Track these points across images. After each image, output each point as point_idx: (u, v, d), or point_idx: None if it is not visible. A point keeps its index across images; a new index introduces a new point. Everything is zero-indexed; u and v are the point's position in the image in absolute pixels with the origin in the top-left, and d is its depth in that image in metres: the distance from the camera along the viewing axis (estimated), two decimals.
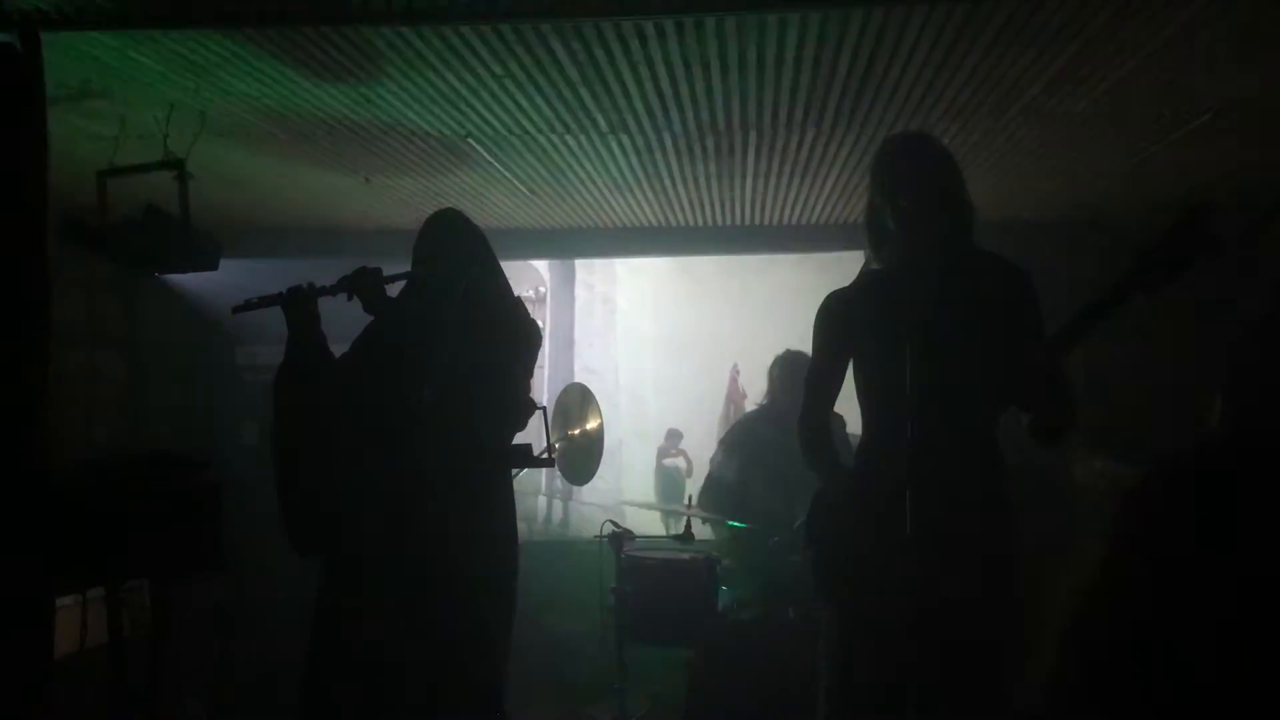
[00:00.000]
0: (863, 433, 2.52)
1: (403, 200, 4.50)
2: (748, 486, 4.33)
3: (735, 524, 4.19)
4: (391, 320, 2.92)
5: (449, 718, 2.79)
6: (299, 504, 2.84)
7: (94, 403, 4.96)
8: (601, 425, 4.44)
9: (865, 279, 2.53)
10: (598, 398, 4.49)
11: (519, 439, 3.05)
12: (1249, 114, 3.42)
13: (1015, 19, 2.63)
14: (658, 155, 3.92)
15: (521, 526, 3.08)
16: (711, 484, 4.55)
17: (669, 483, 7.13)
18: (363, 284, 2.89)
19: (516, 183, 4.33)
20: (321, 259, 4.99)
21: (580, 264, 7.66)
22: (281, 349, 2.96)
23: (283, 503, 2.84)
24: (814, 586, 2.51)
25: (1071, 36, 2.75)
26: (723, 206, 4.90)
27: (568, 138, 3.68)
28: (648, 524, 4.56)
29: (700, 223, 5.29)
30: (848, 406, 2.65)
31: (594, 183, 4.36)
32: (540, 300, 7.12)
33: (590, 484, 4.72)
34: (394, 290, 3.00)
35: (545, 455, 3.13)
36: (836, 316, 2.51)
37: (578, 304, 7.74)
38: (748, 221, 5.27)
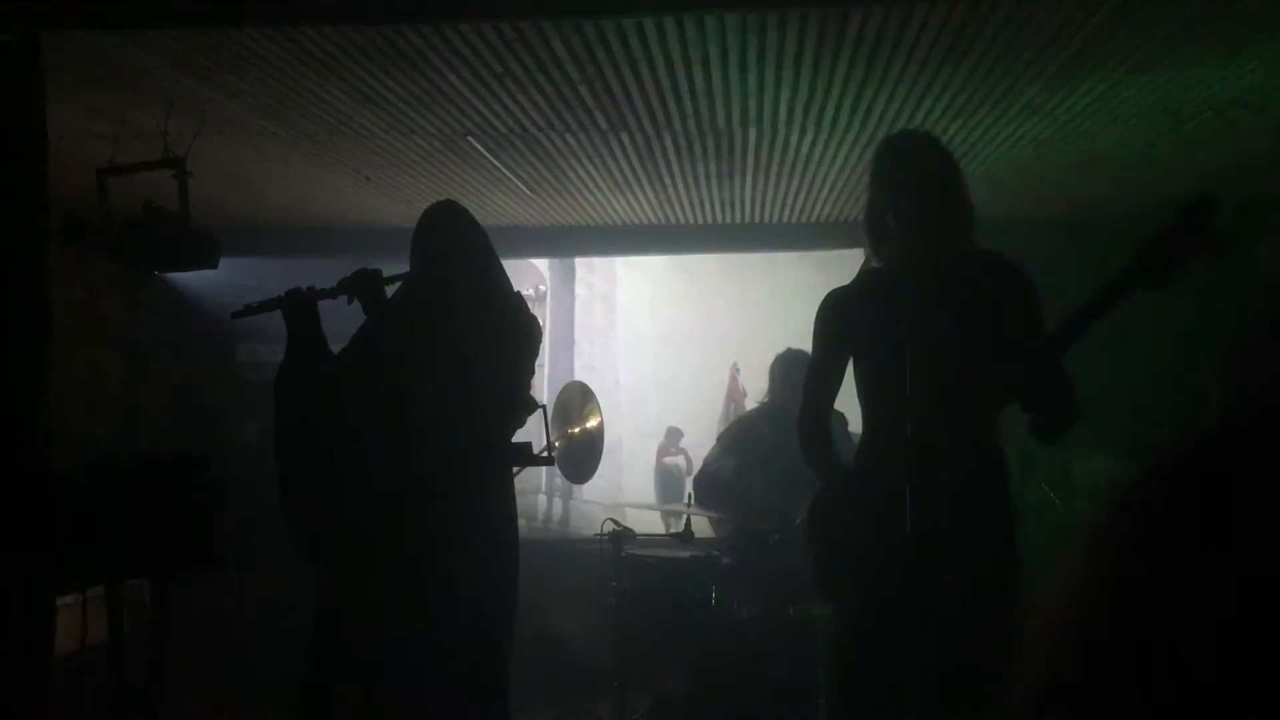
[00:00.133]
0: (863, 431, 2.52)
1: (403, 199, 4.50)
2: (747, 484, 4.33)
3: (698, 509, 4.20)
4: (391, 319, 2.91)
5: (450, 717, 2.79)
6: (303, 507, 2.84)
7: (94, 401, 4.96)
8: (601, 423, 4.43)
9: (865, 277, 2.52)
10: (598, 396, 4.49)
11: (518, 437, 3.05)
12: (1249, 111, 3.42)
13: (1015, 17, 2.63)
14: (658, 153, 3.92)
15: (521, 524, 3.08)
16: (703, 478, 4.54)
17: (669, 481, 7.12)
18: (363, 286, 2.88)
19: (517, 181, 4.33)
20: (321, 257, 4.99)
21: (580, 262, 7.66)
22: (282, 347, 2.95)
23: (286, 506, 2.84)
24: (814, 585, 2.51)
25: (1071, 35, 2.75)
26: (723, 204, 4.90)
27: (568, 136, 3.68)
28: (648, 522, 4.56)
29: (700, 221, 5.29)
30: (848, 405, 2.65)
31: (594, 181, 4.36)
32: (540, 299, 7.12)
33: (590, 482, 4.72)
34: (393, 290, 2.98)
35: (545, 454, 3.12)
36: (836, 315, 2.51)
37: (578, 302, 7.74)
38: (748, 220, 5.27)
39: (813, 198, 4.74)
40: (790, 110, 3.38)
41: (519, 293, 3.05)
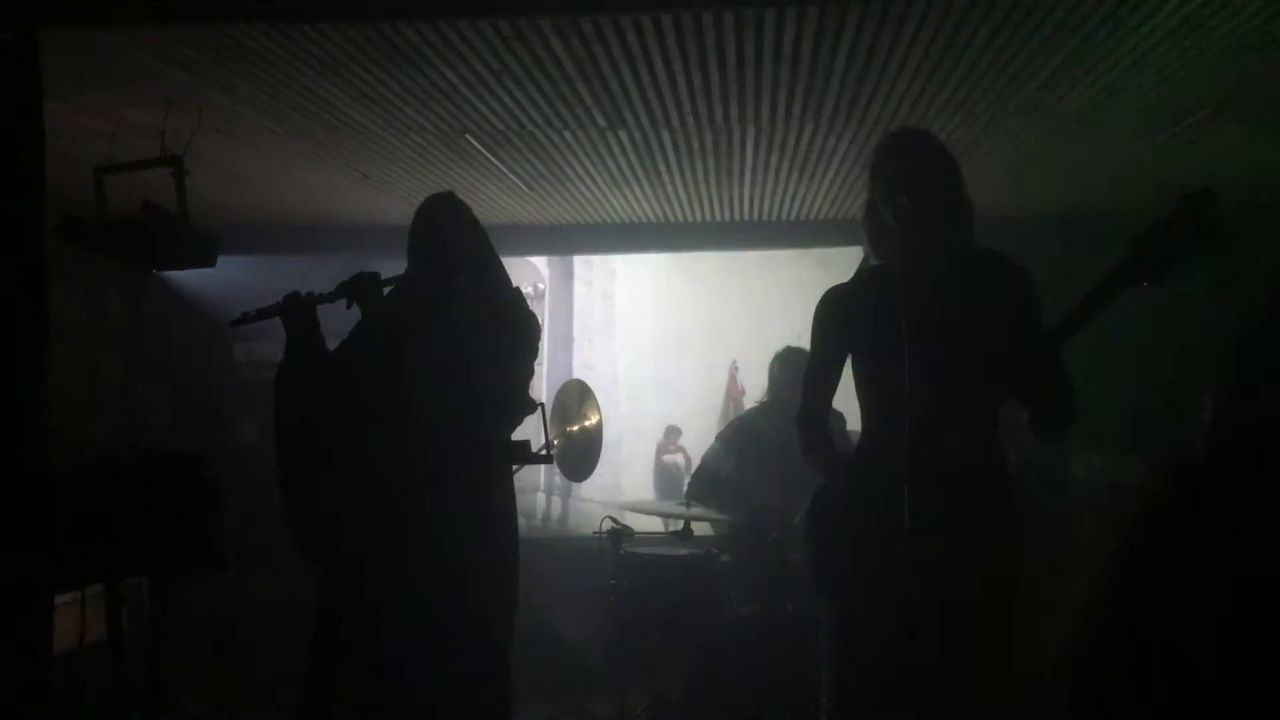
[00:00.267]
0: (862, 429, 2.51)
1: (401, 196, 4.50)
2: (747, 483, 4.33)
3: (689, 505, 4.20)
4: (390, 318, 2.90)
5: (451, 717, 2.79)
6: (303, 508, 2.83)
7: (93, 400, 4.96)
8: (600, 421, 4.43)
9: (864, 275, 2.52)
10: (596, 394, 4.49)
11: (517, 435, 3.04)
12: (1248, 109, 3.42)
13: (1014, 14, 2.63)
14: (656, 151, 3.92)
15: (520, 523, 3.07)
16: (701, 474, 4.54)
17: (667, 479, 7.12)
18: (361, 289, 2.87)
19: (514, 179, 4.32)
20: (319, 254, 4.99)
21: (579, 260, 7.64)
22: (280, 346, 2.94)
23: (287, 506, 2.83)
24: (814, 583, 2.51)
25: (1070, 32, 2.74)
26: (721, 202, 4.90)
27: (565, 133, 3.67)
28: (647, 520, 4.56)
29: (699, 218, 5.29)
30: (847, 403, 2.65)
31: (592, 179, 4.35)
32: (539, 297, 7.12)
33: (589, 480, 4.71)
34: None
35: (543, 452, 3.12)
36: (835, 313, 2.50)
37: (576, 301, 7.73)
38: (746, 217, 5.27)
39: (811, 195, 4.74)
40: (788, 107, 3.38)
41: (518, 288, 3.03)
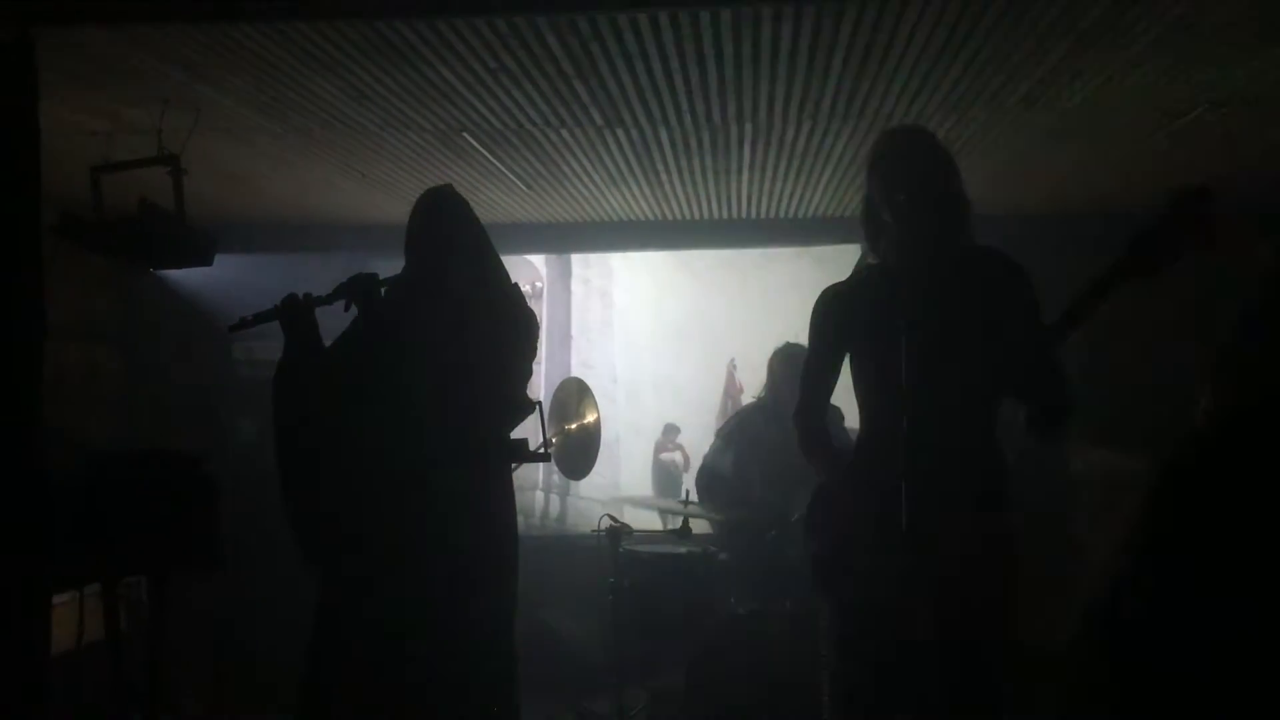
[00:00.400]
0: (860, 427, 2.51)
1: (398, 194, 4.49)
2: (745, 480, 4.33)
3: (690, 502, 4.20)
4: (388, 318, 2.89)
5: (451, 716, 2.78)
6: (303, 508, 2.83)
7: (90, 399, 4.96)
8: (598, 420, 4.43)
9: (862, 273, 2.52)
10: (595, 392, 4.49)
11: (515, 433, 3.04)
12: (1245, 106, 3.42)
13: (1011, 11, 2.63)
14: (653, 149, 3.92)
15: (519, 521, 3.07)
16: (705, 472, 4.55)
17: (666, 477, 7.12)
18: (359, 291, 2.86)
19: (512, 177, 4.32)
20: (317, 253, 4.98)
21: (577, 259, 7.64)
22: (278, 344, 2.93)
23: (287, 506, 2.83)
24: (813, 581, 2.51)
25: (1067, 29, 2.74)
26: (719, 200, 4.90)
27: (563, 132, 3.67)
28: (645, 518, 4.56)
29: (697, 216, 5.29)
30: (846, 401, 2.65)
31: (590, 177, 4.35)
32: (537, 295, 7.12)
33: (588, 478, 4.71)
34: None
35: (541, 450, 3.12)
36: (833, 311, 2.51)
37: (574, 299, 7.73)
38: (744, 215, 5.27)
39: (809, 193, 4.74)
40: (786, 105, 3.38)
41: (516, 284, 3.02)
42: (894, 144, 2.45)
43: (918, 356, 2.14)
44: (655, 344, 7.88)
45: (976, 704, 2.29)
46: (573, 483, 6.10)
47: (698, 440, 6.72)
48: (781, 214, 5.23)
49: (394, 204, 4.62)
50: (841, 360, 2.52)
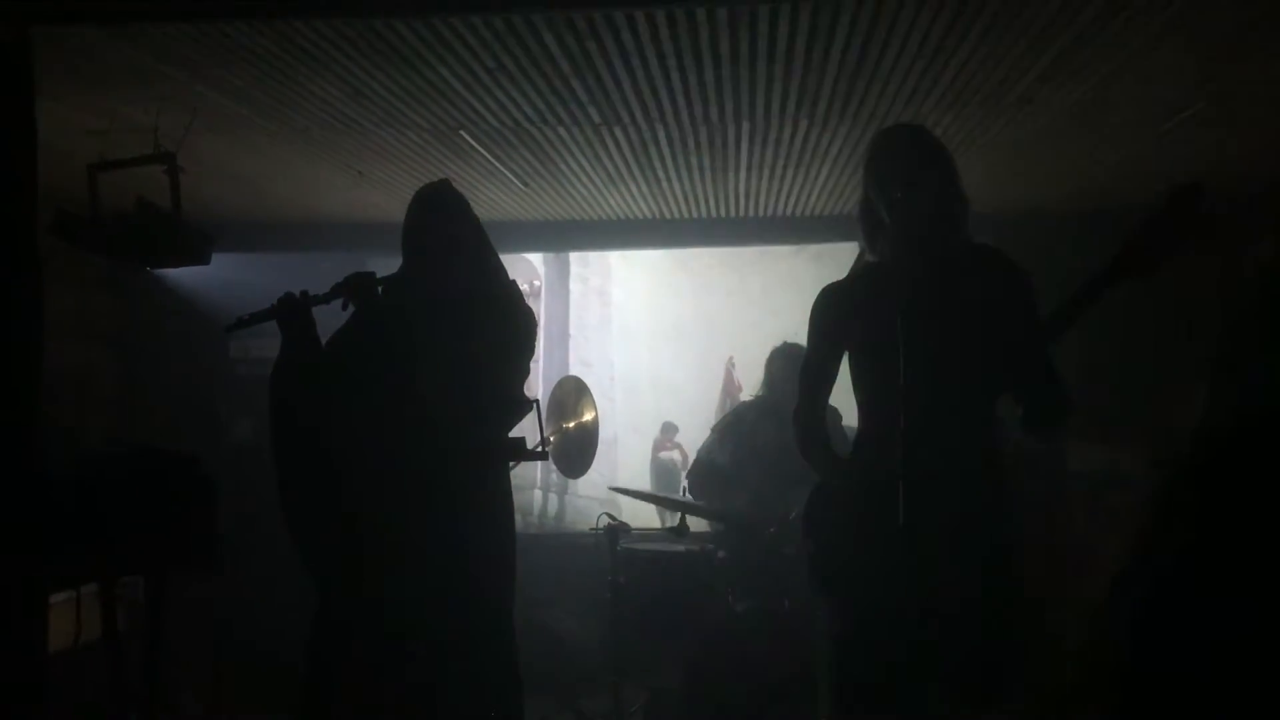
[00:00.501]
0: (859, 425, 2.51)
1: (396, 193, 4.49)
2: (742, 477, 4.33)
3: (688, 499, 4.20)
4: (386, 317, 2.89)
5: (451, 715, 2.78)
6: (301, 508, 2.82)
7: (87, 398, 4.95)
8: (596, 418, 4.43)
9: (860, 271, 2.52)
10: (593, 391, 4.48)
11: (513, 431, 3.03)
12: (1241, 104, 3.42)
13: (1007, 10, 2.63)
14: (651, 147, 3.92)
15: (517, 520, 3.07)
16: (698, 466, 4.55)
17: (664, 475, 7.12)
18: (357, 289, 2.86)
19: (510, 175, 4.32)
20: (314, 251, 4.98)
21: (575, 257, 7.64)
22: (275, 342, 2.93)
23: (285, 506, 2.83)
24: (811, 579, 2.51)
25: (1063, 27, 2.74)
26: (717, 198, 4.89)
27: (560, 130, 3.67)
28: (643, 516, 4.56)
29: (694, 215, 5.28)
30: (845, 401, 2.65)
31: (587, 175, 4.35)
32: (535, 294, 7.12)
33: (586, 477, 4.71)
34: None
35: (539, 449, 3.12)
36: (832, 309, 2.51)
37: (572, 297, 7.73)
38: (742, 213, 5.27)
39: (806, 191, 4.74)
40: (783, 103, 3.38)
41: (514, 282, 3.01)
42: (891, 142, 2.46)
43: (915, 354, 2.14)
44: (653, 342, 7.88)
45: (976, 702, 2.29)
46: (571, 481, 6.10)
47: (696, 438, 6.72)
48: (779, 212, 5.23)
49: (391, 202, 4.62)
50: (840, 358, 2.52)
